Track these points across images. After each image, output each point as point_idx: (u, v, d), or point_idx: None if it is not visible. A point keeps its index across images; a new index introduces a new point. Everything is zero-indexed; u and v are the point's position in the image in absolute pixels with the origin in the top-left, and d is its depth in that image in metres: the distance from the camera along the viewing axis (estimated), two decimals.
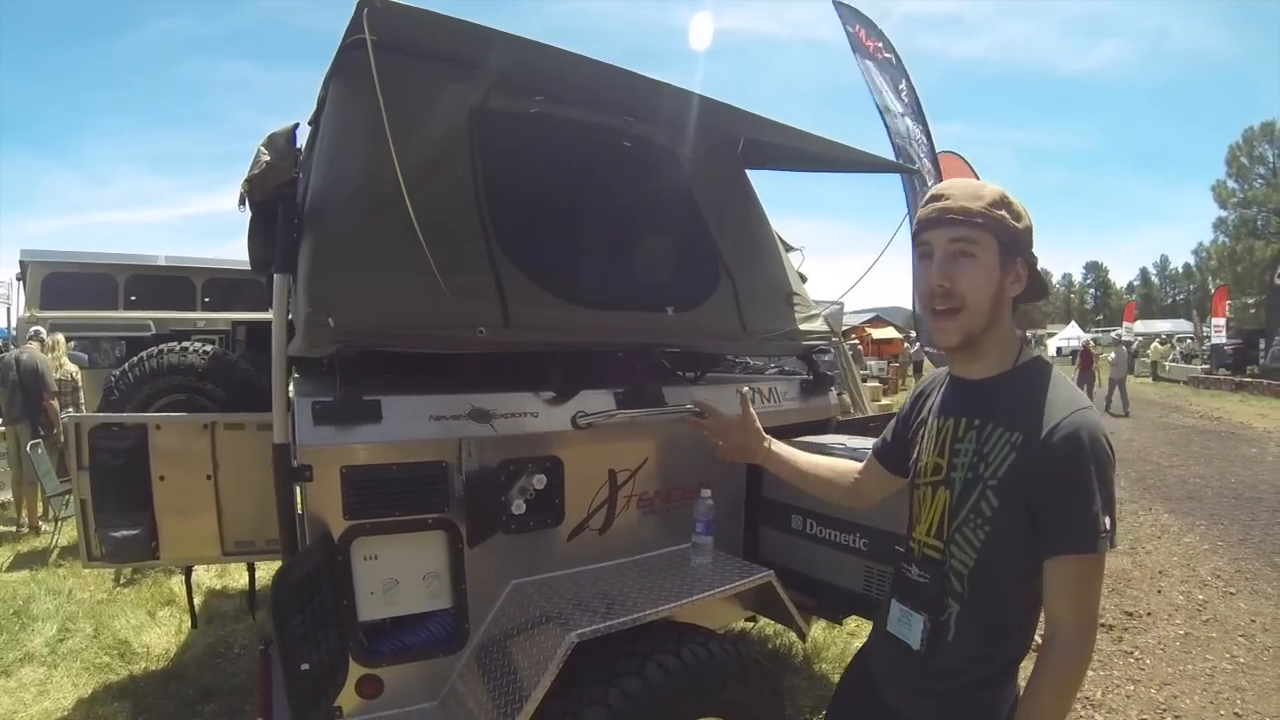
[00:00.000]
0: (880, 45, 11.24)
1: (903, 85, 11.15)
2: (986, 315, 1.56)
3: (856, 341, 7.86)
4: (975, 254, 1.54)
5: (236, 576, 5.83)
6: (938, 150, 10.92)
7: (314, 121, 3.03)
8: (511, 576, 2.67)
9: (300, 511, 2.36)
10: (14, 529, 7.40)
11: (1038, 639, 1.64)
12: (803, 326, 3.44)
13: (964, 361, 1.67)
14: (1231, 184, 37.42)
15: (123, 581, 5.75)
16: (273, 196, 2.12)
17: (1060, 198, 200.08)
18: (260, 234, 2.17)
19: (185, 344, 4.01)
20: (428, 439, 2.39)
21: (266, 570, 5.75)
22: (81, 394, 7.76)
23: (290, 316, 2.34)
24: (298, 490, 2.27)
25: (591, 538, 2.83)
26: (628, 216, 3.12)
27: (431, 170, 2.51)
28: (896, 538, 2.40)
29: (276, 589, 2.03)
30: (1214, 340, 27.39)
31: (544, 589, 2.64)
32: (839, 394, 3.96)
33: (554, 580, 2.71)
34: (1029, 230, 1.58)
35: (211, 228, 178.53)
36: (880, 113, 10.25)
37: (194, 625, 4.39)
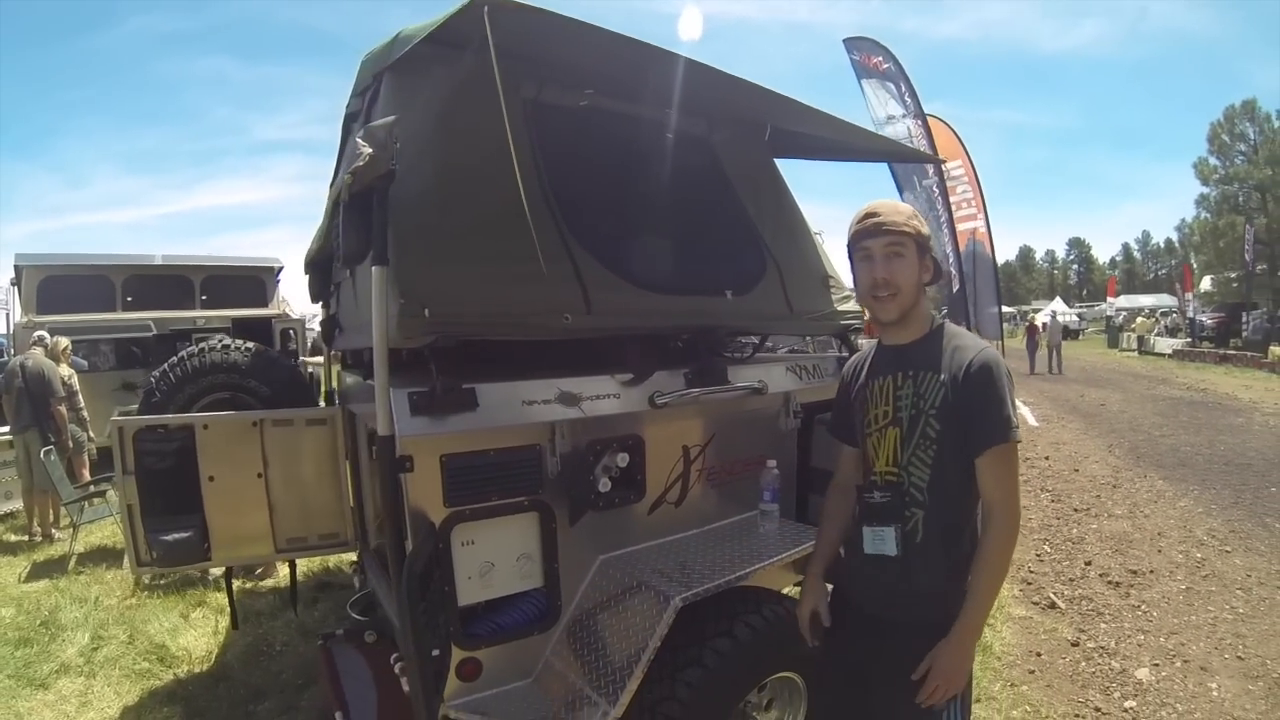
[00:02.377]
0: (880, 59, 11.70)
1: (903, 87, 11.52)
2: (913, 296, 2.04)
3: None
4: (904, 254, 2.01)
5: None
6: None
7: (355, 114, 3.02)
8: (599, 553, 2.68)
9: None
10: (27, 538, 7.10)
11: None
12: (840, 307, 3.51)
13: (897, 332, 2.10)
14: (1213, 161, 37.55)
15: (146, 586, 5.53)
16: (369, 189, 2.06)
17: (1042, 175, 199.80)
18: (356, 227, 2.11)
19: (227, 341, 3.90)
20: (522, 424, 2.39)
21: (307, 567, 5.77)
22: (80, 398, 7.47)
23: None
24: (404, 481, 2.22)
25: (669, 511, 2.86)
26: (678, 205, 3.13)
27: (503, 162, 2.47)
28: None
29: (405, 579, 2.00)
30: (1189, 314, 27.81)
31: (631, 562, 2.65)
32: None
33: (638, 553, 2.73)
34: (929, 236, 2.08)
35: (191, 225, 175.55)
36: (879, 126, 10.78)
37: (235, 625, 4.24)
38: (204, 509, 3.31)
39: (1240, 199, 36.31)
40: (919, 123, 11.91)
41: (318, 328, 7.27)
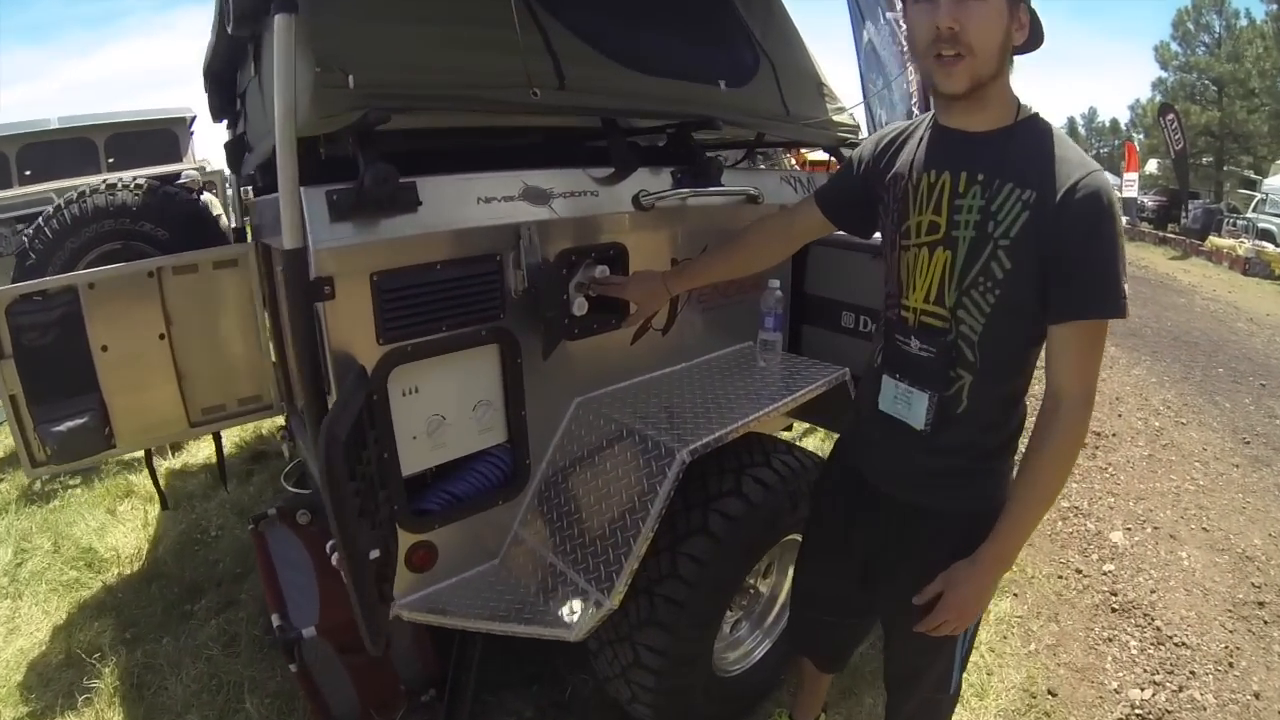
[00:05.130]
0: None
1: None
2: (994, 63, 1.31)
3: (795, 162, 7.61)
4: None
5: (193, 452, 5.00)
6: None
7: None
8: (575, 394, 2.10)
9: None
10: None
11: None
12: (835, 118, 2.89)
13: (966, 112, 1.39)
14: (1175, 47, 37.25)
15: (63, 484, 4.75)
16: None
17: None
18: None
19: (111, 180, 3.15)
20: (477, 226, 1.74)
21: (239, 436, 5.04)
22: None
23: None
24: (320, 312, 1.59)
25: (654, 341, 2.28)
26: None
27: None
28: None
29: (327, 452, 1.37)
30: (1127, 194, 27.99)
31: (613, 404, 2.09)
32: None
33: (621, 393, 2.17)
34: None
35: (99, 94, 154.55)
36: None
37: (165, 507, 3.70)
38: (100, 387, 2.66)
39: (1197, 88, 35.91)
40: None
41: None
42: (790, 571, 2.42)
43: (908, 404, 1.49)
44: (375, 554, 1.45)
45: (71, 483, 4.77)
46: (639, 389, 2.20)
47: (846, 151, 3.09)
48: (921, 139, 1.48)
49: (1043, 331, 1.36)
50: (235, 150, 3.20)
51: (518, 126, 2.26)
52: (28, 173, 8.65)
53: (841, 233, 1.77)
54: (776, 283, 2.36)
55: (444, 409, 1.80)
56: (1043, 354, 1.40)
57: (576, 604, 1.78)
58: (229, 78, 2.94)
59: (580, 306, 1.93)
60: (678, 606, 1.89)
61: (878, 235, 1.63)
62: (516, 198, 1.79)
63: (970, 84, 1.31)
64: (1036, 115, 1.38)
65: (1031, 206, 1.29)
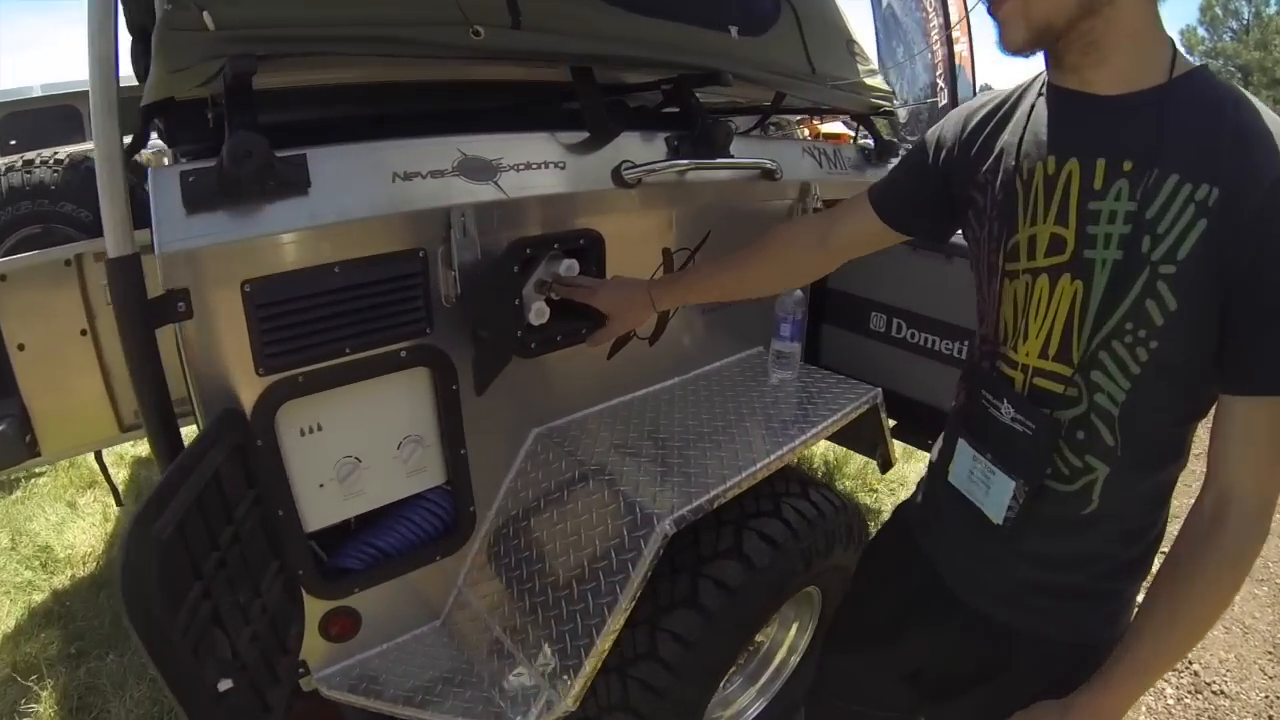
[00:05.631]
0: None
1: None
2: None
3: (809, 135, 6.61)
4: None
5: None
6: None
7: None
8: (533, 423, 1.66)
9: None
10: None
11: None
12: (867, 81, 2.38)
13: (1078, 67, 0.90)
14: (1202, 31, 36.62)
15: (41, 470, 4.43)
16: None
17: None
18: None
19: (30, 156, 2.77)
20: (392, 212, 1.27)
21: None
22: None
23: None
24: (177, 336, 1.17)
25: (638, 352, 1.80)
26: None
27: None
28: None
29: (128, 569, 0.89)
30: None
31: (581, 438, 1.66)
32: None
33: (594, 421, 1.73)
34: None
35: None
36: None
37: (119, 504, 3.40)
38: (19, 390, 2.34)
39: (1223, 76, 35.84)
40: None
41: None
42: (795, 626, 2.02)
43: (985, 486, 1.04)
44: (226, 685, 1.03)
45: (38, 470, 4.45)
46: (617, 415, 1.75)
47: (880, 123, 2.62)
48: (1031, 110, 0.98)
49: (1205, 403, 0.92)
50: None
51: (464, 83, 1.77)
52: (12, 142, 8.31)
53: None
54: None
55: (358, 449, 1.37)
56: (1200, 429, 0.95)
57: (525, 697, 1.37)
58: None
59: (539, 313, 1.45)
60: (656, 695, 1.47)
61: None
62: (449, 172, 1.33)
63: (1026, 34, 0.87)
64: (1204, 70, 0.87)
65: (1211, 211, 0.80)
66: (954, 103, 10.69)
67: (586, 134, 1.55)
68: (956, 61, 11.64)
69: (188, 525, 0.99)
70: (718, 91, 1.99)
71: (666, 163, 1.62)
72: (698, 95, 1.76)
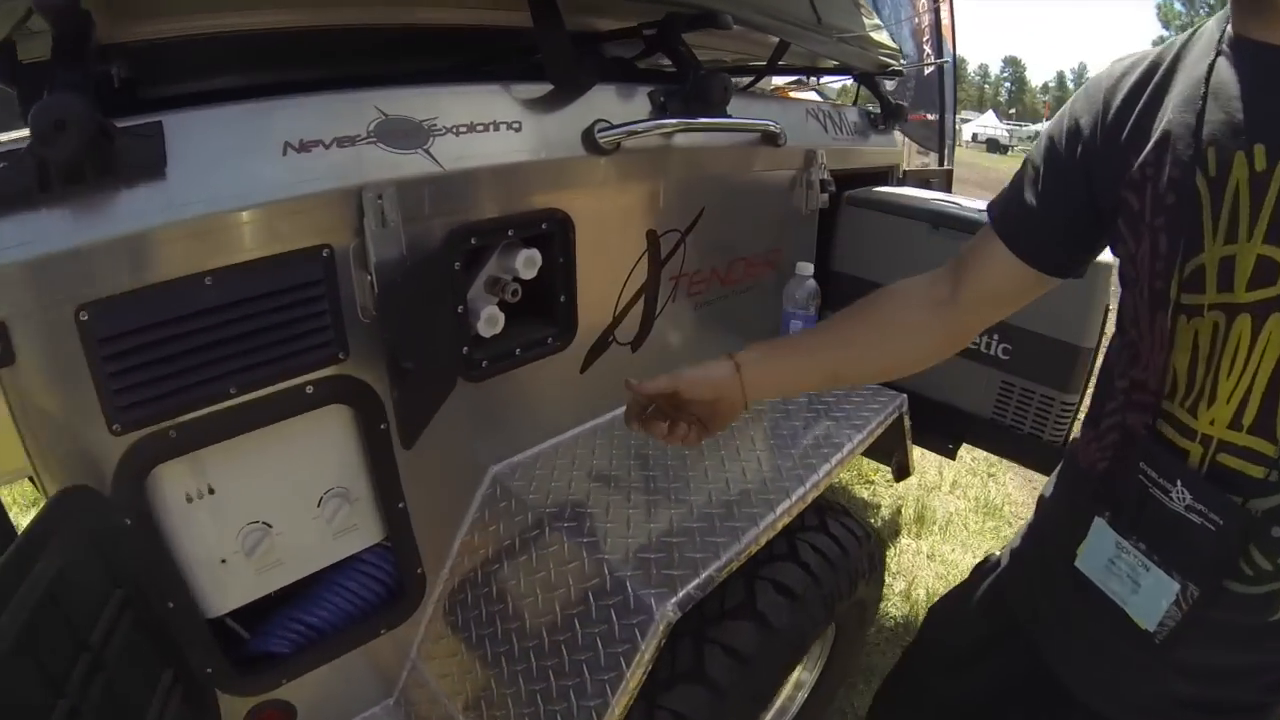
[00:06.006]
0: None
1: None
2: None
3: None
4: None
5: None
6: None
7: None
8: (487, 460, 1.32)
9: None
10: None
11: None
12: (873, 36, 2.05)
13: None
14: (1179, 6, 36.84)
15: None
16: None
17: None
18: None
19: None
20: (283, 197, 0.90)
21: None
22: None
23: None
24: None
25: (619, 360, 1.44)
26: None
27: None
28: (1047, 340, 1.56)
29: None
30: None
31: (550, 478, 1.32)
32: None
33: (564, 451, 1.39)
34: None
35: None
36: None
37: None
38: None
39: None
40: None
41: None
42: (803, 663, 1.74)
43: (1133, 584, 0.76)
44: None
45: None
46: (595, 440, 1.42)
47: (888, 85, 2.30)
48: (1208, 76, 0.67)
49: None
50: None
51: (392, 29, 1.40)
52: None
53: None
54: (809, 268, 1.62)
55: (266, 513, 1.03)
56: None
57: None
58: None
59: (491, 322, 1.12)
60: None
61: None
62: (363, 138, 0.97)
63: None
64: None
65: None
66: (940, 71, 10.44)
67: (549, 86, 1.20)
68: (942, 34, 11.32)
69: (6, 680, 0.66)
70: (702, 45, 1.65)
71: (651, 122, 1.27)
72: (689, 43, 1.42)
